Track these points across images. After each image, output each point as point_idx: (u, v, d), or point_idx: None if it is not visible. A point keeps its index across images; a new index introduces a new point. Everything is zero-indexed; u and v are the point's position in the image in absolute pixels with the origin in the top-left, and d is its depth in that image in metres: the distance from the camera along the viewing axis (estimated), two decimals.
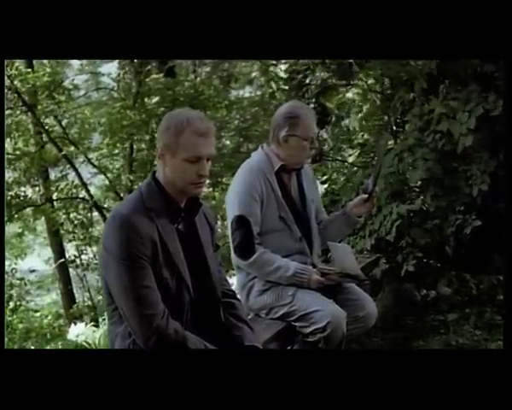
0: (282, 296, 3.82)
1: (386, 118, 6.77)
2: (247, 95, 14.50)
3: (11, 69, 11.08)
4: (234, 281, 4.11)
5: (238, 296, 3.23)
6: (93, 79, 16.18)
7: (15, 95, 11.79)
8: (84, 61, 15.57)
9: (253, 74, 14.58)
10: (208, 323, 2.88)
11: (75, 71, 15.38)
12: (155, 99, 11.86)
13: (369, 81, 6.90)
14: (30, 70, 11.73)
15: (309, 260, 3.95)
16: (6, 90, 11.25)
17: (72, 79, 13.84)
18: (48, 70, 11.93)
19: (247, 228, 3.76)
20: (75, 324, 5.49)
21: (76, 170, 12.93)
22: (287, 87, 8.59)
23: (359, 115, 7.81)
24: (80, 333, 4.97)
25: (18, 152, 12.94)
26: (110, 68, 14.63)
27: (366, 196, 4.04)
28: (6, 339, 12.41)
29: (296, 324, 3.77)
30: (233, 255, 3.89)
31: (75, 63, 15.51)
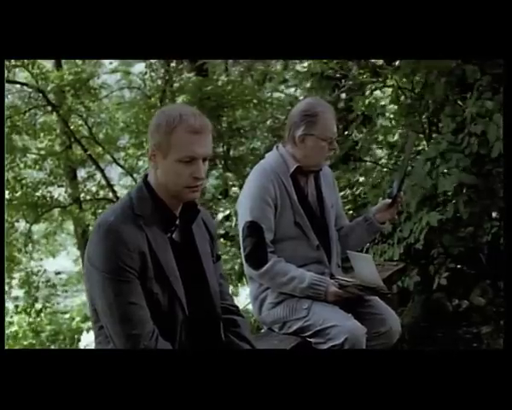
0: (297, 310, 3.53)
1: (416, 117, 6.48)
2: (279, 95, 14.23)
3: (33, 68, 10.98)
4: None
5: (242, 313, 2.93)
6: (125, 78, 16.01)
7: (40, 94, 11.67)
8: (116, 61, 15.43)
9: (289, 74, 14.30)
10: (205, 343, 2.60)
11: (107, 70, 15.26)
12: (182, 98, 11.63)
13: (399, 79, 6.63)
14: (51, 69, 11.62)
15: (327, 270, 3.65)
16: (30, 90, 11.19)
17: (98, 78, 13.67)
18: (74, 69, 11.80)
19: (260, 235, 3.48)
20: (87, 331, 5.24)
21: (102, 171, 12.81)
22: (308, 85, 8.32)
23: (389, 115, 7.52)
24: (90, 343, 4.72)
25: (43, 152, 12.85)
26: (140, 68, 14.47)
27: (390, 200, 3.73)
28: (34, 341, 12.39)
29: (311, 340, 3.47)
30: (244, 264, 3.61)
31: (107, 62, 15.38)
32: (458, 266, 5.53)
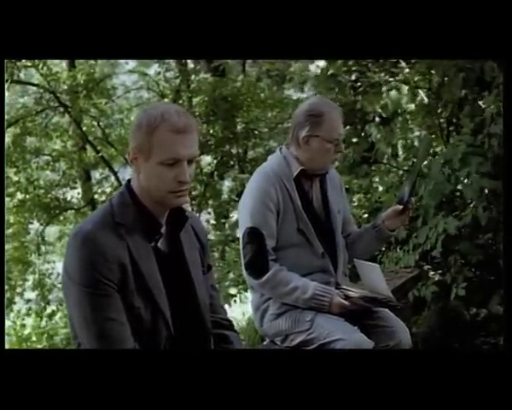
0: (300, 322, 3.33)
1: (434, 117, 6.28)
2: (299, 95, 14.09)
3: (42, 68, 10.90)
4: None
5: (235, 327, 2.74)
6: (142, 79, 15.91)
7: (51, 95, 11.58)
8: (134, 62, 15.35)
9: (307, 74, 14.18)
10: None
11: (123, 71, 15.18)
12: (197, 99, 11.49)
13: (416, 78, 6.45)
14: (65, 69, 11.55)
15: (332, 279, 3.45)
16: (42, 91, 11.09)
17: (111, 79, 13.57)
18: (86, 69, 11.69)
19: (260, 242, 3.27)
20: None
21: (115, 173, 12.69)
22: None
23: (406, 115, 7.32)
24: None
25: (55, 153, 12.76)
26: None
27: (400, 206, 3.51)
28: (47, 344, 12.32)
29: None
30: (244, 273, 3.42)
31: (123, 62, 15.29)
32: (476, 274, 5.30)
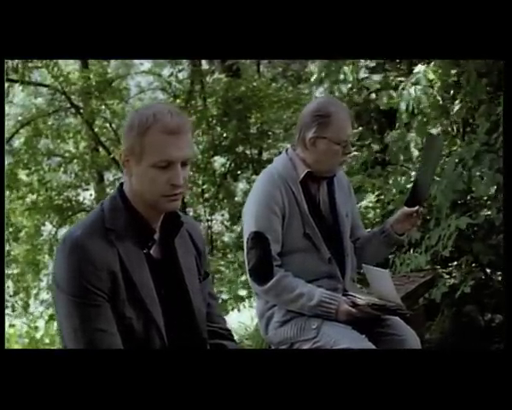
0: (305, 330, 3.21)
1: (450, 117, 6.19)
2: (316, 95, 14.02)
3: (53, 69, 10.88)
4: None
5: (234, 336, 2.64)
6: (157, 80, 15.89)
7: (63, 96, 11.56)
8: (149, 63, 15.33)
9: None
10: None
11: (136, 71, 15.16)
12: (211, 99, 11.43)
13: (432, 77, 6.33)
14: (78, 70, 11.55)
15: (340, 285, 3.33)
16: (53, 92, 11.06)
17: (123, 80, 13.56)
18: (98, 70, 11.67)
19: (265, 247, 3.20)
20: None
21: None
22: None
23: (421, 115, 7.21)
24: None
25: (67, 155, 12.75)
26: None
27: (409, 209, 3.38)
28: (61, 347, 12.29)
29: None
30: (249, 280, 3.32)
31: (138, 63, 15.29)
32: (491, 278, 5.18)
